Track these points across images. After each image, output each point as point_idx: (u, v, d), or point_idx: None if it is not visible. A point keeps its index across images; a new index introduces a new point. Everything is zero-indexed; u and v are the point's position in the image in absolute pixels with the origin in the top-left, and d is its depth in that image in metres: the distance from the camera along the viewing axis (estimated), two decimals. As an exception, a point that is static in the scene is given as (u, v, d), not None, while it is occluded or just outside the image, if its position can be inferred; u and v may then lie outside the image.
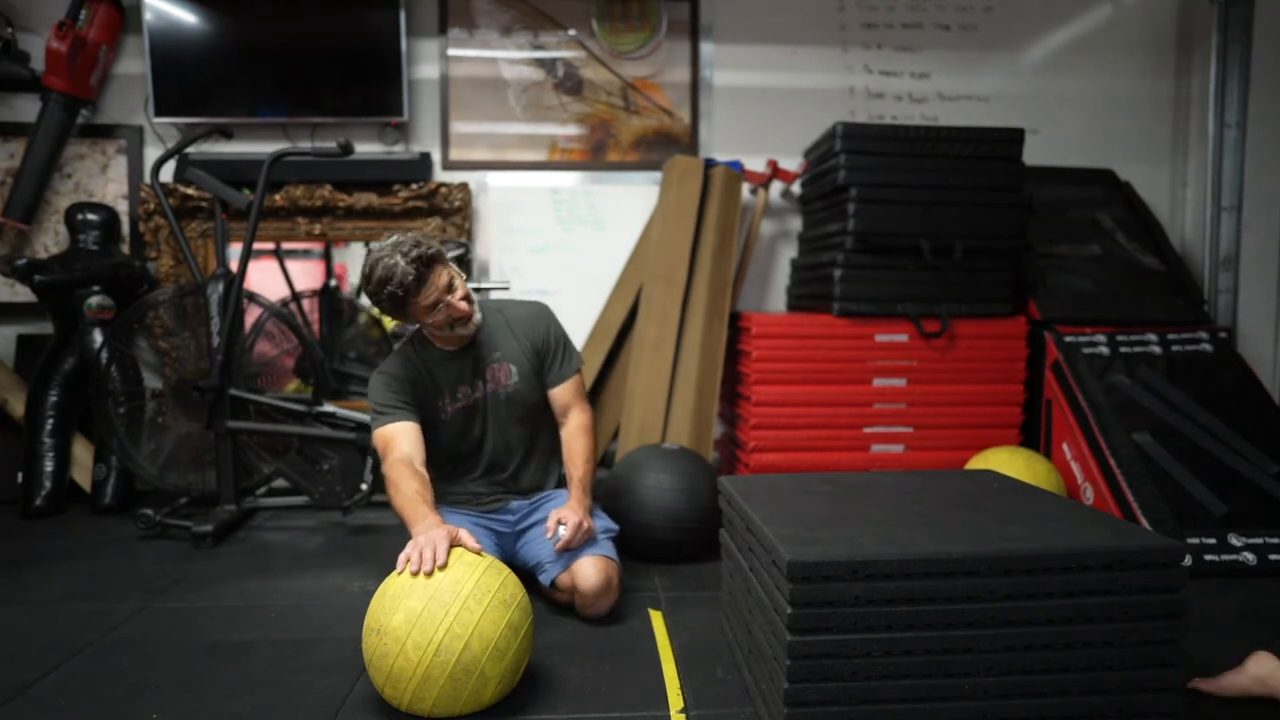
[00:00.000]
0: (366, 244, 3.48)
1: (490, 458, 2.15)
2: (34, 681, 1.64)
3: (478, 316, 2.04)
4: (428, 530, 1.63)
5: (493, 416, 2.13)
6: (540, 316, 2.18)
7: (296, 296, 3.50)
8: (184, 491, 2.92)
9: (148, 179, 3.11)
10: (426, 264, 1.90)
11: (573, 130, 3.44)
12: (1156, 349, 2.84)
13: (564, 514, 1.96)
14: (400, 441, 1.94)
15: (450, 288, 1.96)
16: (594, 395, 3.12)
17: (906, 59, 3.49)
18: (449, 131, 3.39)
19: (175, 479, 2.97)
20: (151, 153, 3.31)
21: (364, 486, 2.73)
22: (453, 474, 2.18)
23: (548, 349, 2.15)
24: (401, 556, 1.54)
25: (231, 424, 2.74)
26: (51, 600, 2.09)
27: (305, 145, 3.30)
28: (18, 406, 3.05)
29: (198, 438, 2.98)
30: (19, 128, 3.22)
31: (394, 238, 1.94)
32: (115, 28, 3.20)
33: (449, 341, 2.07)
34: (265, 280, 3.47)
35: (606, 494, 2.43)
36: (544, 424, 2.22)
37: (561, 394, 2.16)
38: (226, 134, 3.31)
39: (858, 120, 3.44)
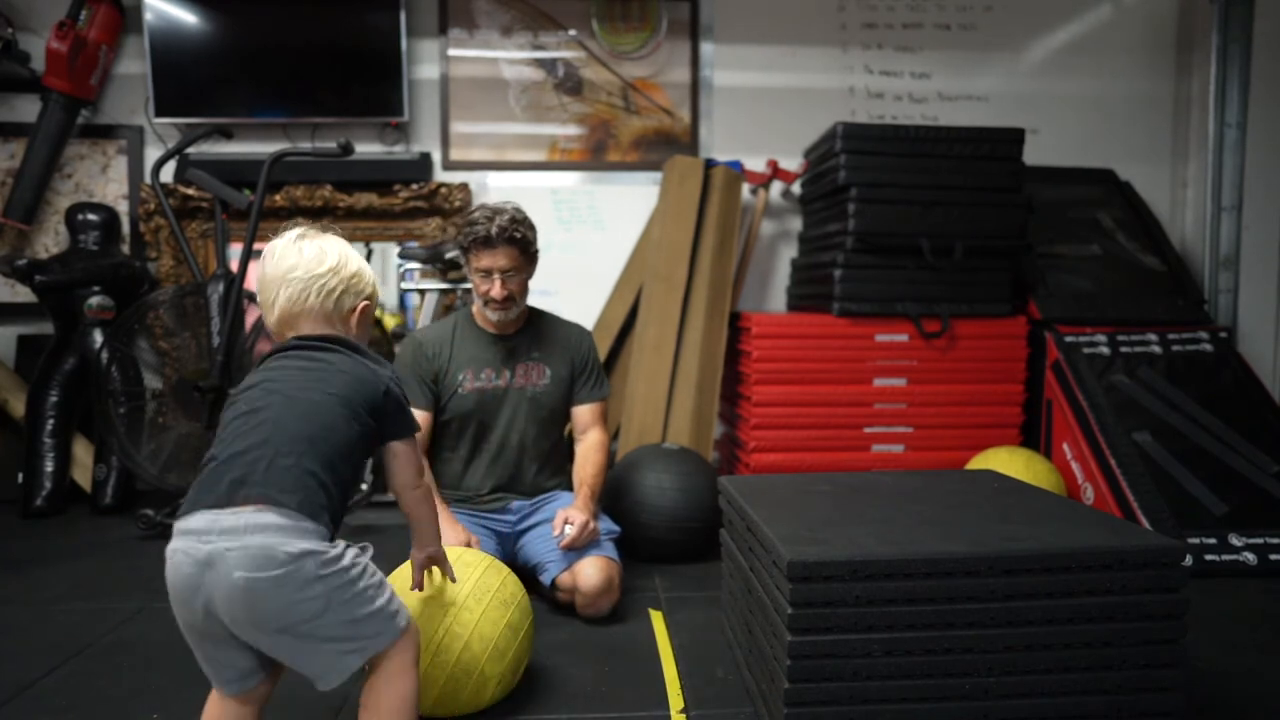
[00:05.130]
0: (367, 244, 3.49)
1: (499, 448, 2.17)
2: (34, 681, 1.64)
3: (512, 314, 2.13)
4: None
5: (514, 409, 2.16)
6: (583, 337, 2.28)
7: (297, 297, 3.50)
8: (184, 492, 2.91)
9: (148, 179, 3.11)
10: (500, 236, 2.03)
11: (573, 130, 3.44)
12: (1157, 349, 2.84)
13: (571, 514, 1.97)
14: None
15: (509, 271, 2.06)
16: (594, 395, 3.12)
17: (906, 59, 3.49)
18: (449, 131, 3.39)
19: (176, 479, 2.96)
20: (152, 153, 3.31)
21: (364, 487, 2.73)
22: (453, 459, 2.18)
23: (584, 368, 2.24)
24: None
25: (232, 424, 2.73)
26: (51, 600, 2.09)
27: (305, 145, 3.31)
28: (18, 407, 3.05)
29: (198, 438, 2.98)
30: (19, 128, 3.22)
31: (513, 204, 2.10)
32: (115, 28, 3.20)
33: (489, 324, 2.17)
34: (265, 280, 3.47)
35: (607, 494, 2.43)
36: (558, 434, 2.27)
37: (586, 413, 2.23)
38: (226, 134, 3.31)
39: (858, 120, 3.44)
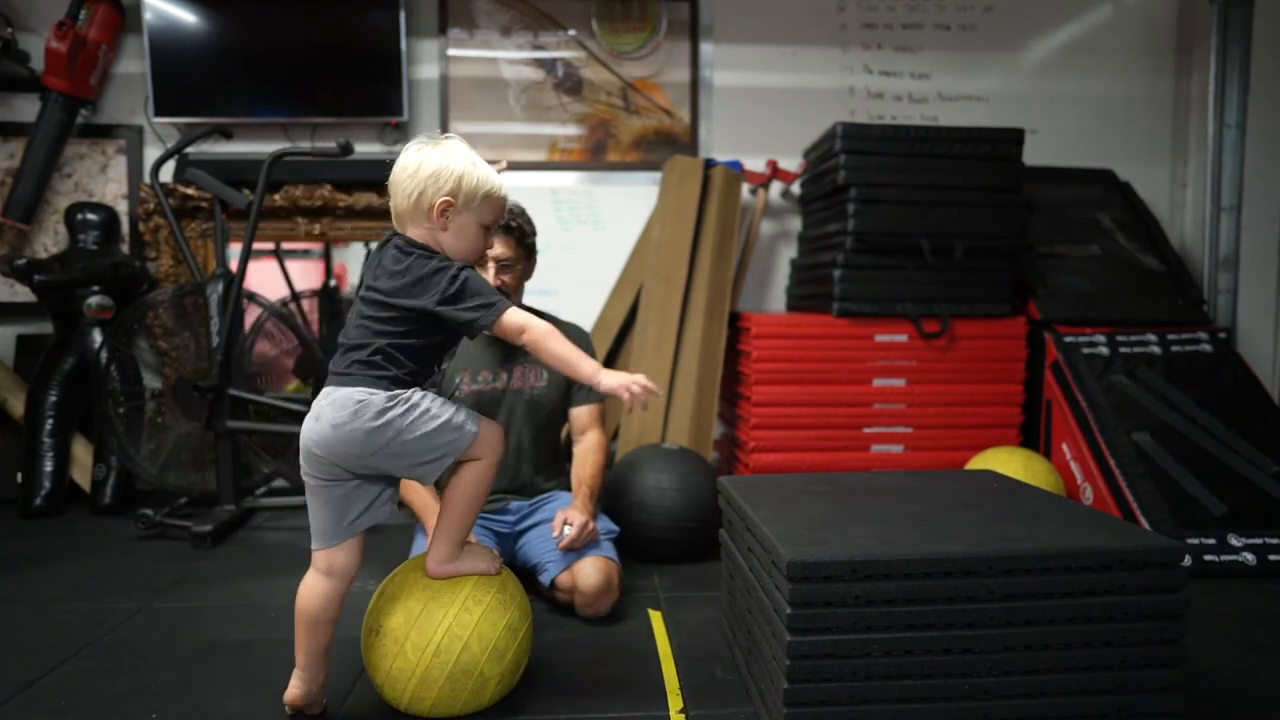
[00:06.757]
0: (366, 244, 3.49)
1: None
2: (34, 681, 1.64)
3: None
4: None
5: (511, 411, 2.16)
6: (581, 338, 2.27)
7: (296, 296, 3.50)
8: (184, 491, 2.92)
9: (147, 179, 3.10)
10: (503, 229, 2.05)
11: (573, 130, 3.44)
12: (1156, 349, 2.84)
13: (570, 514, 1.97)
14: None
15: (505, 261, 2.07)
16: (594, 395, 3.13)
17: (906, 59, 3.49)
18: (449, 131, 3.38)
19: (175, 479, 2.96)
20: (151, 153, 3.31)
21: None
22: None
23: None
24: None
25: (231, 424, 2.74)
26: (51, 600, 2.09)
27: (305, 145, 3.30)
28: (17, 406, 3.05)
29: (198, 438, 2.98)
30: (19, 128, 3.22)
31: (511, 199, 2.15)
32: (115, 27, 3.20)
33: None
34: (265, 280, 3.47)
35: (606, 494, 2.43)
36: (556, 436, 2.28)
37: (584, 414, 2.23)
38: (226, 134, 3.31)
39: (858, 120, 3.44)
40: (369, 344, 1.40)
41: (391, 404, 1.37)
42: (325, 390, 1.42)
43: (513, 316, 1.39)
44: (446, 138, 1.48)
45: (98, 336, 3.00)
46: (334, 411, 1.38)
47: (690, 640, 1.84)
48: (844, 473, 2.15)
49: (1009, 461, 2.61)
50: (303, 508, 3.02)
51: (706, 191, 3.10)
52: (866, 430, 2.91)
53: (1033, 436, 2.99)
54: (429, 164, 1.42)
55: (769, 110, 3.45)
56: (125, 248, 3.28)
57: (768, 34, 3.43)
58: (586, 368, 1.41)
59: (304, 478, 1.44)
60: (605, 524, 2.13)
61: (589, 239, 3.42)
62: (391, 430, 1.37)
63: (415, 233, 1.45)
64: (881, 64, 3.48)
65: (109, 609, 2.02)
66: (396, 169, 1.45)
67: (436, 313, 1.38)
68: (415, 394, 1.41)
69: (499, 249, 2.07)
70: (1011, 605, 1.31)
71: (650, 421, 2.91)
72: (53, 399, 2.98)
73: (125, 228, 3.29)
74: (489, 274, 2.07)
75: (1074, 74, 3.51)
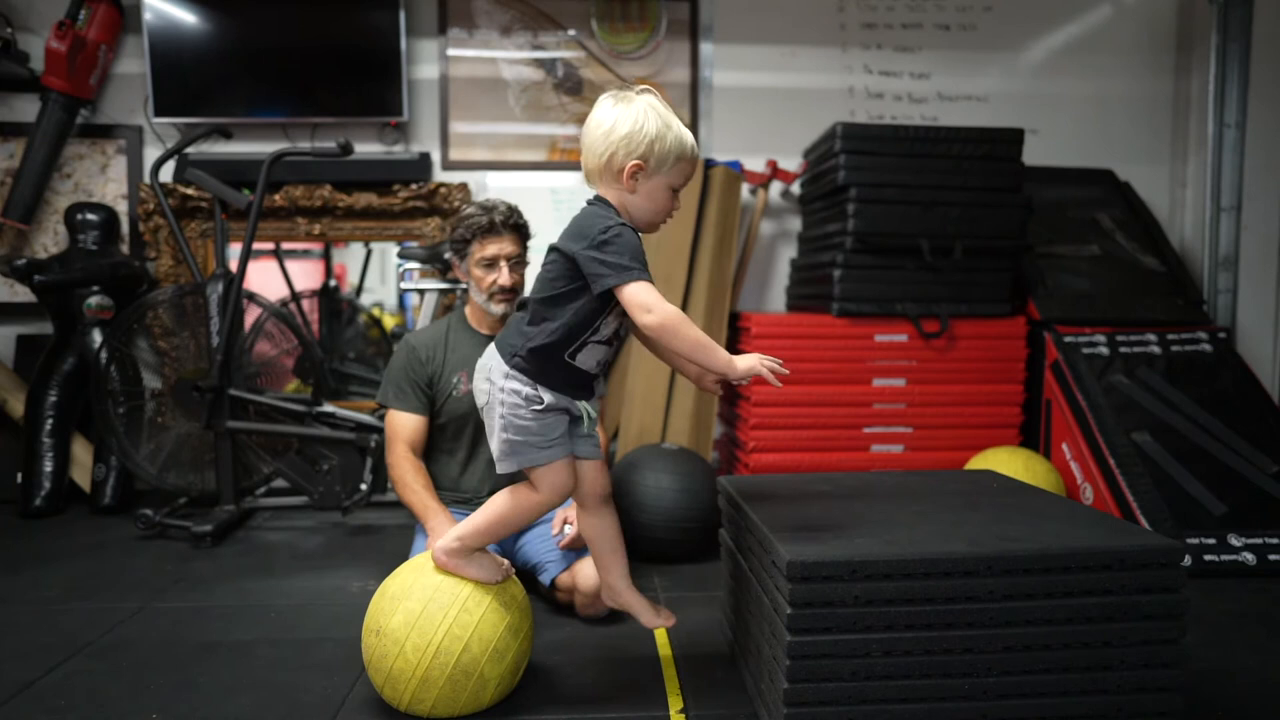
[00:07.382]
0: (366, 244, 3.49)
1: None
2: (34, 681, 1.64)
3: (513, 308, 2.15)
4: (440, 526, 1.84)
5: None
6: None
7: (296, 296, 3.50)
8: (183, 491, 2.92)
9: (147, 179, 3.11)
10: (505, 223, 2.09)
11: (572, 130, 3.44)
12: (1156, 349, 2.85)
13: (570, 514, 1.97)
14: (408, 431, 2.10)
15: (514, 260, 2.11)
16: (594, 395, 3.12)
17: (906, 59, 3.49)
18: (448, 131, 3.39)
19: (175, 479, 2.96)
20: (151, 153, 3.31)
21: (363, 487, 2.73)
22: (451, 462, 2.19)
23: None
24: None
25: (231, 424, 2.74)
26: (51, 600, 2.09)
27: (305, 145, 3.30)
28: (17, 406, 3.05)
29: (197, 438, 2.98)
30: (19, 128, 3.22)
31: (510, 203, 2.15)
32: (115, 27, 3.20)
33: (483, 323, 2.18)
34: (265, 280, 3.47)
35: (606, 494, 2.43)
36: None
37: None
38: (226, 134, 3.31)
39: (857, 120, 3.44)
40: (536, 313, 1.44)
41: (512, 385, 1.43)
42: (507, 329, 1.50)
43: (644, 291, 1.34)
44: (640, 92, 1.44)
45: (97, 336, 3.00)
46: (490, 355, 1.50)
47: (690, 640, 1.84)
48: (844, 473, 2.15)
49: (1009, 461, 2.62)
50: (302, 508, 3.05)
51: (706, 191, 3.10)
52: (866, 430, 2.91)
53: (1033, 436, 2.99)
54: (623, 125, 1.40)
55: (769, 110, 3.45)
56: (125, 248, 3.28)
57: (767, 34, 3.43)
58: (721, 359, 1.37)
59: None
60: (605, 524, 2.13)
61: (589, 239, 3.42)
62: (491, 402, 1.47)
63: (605, 192, 1.46)
64: (881, 64, 3.48)
65: (109, 609, 2.02)
66: (590, 125, 1.44)
67: (577, 257, 1.36)
68: (532, 403, 1.43)
69: (509, 247, 2.09)
70: (1011, 605, 1.32)
71: (650, 421, 2.91)
72: (52, 399, 2.98)
73: (125, 228, 3.29)
74: (502, 274, 2.08)
75: (1074, 74, 3.51)
